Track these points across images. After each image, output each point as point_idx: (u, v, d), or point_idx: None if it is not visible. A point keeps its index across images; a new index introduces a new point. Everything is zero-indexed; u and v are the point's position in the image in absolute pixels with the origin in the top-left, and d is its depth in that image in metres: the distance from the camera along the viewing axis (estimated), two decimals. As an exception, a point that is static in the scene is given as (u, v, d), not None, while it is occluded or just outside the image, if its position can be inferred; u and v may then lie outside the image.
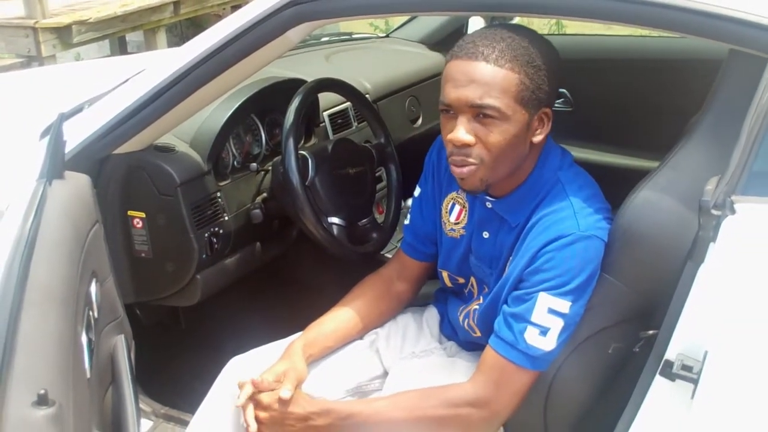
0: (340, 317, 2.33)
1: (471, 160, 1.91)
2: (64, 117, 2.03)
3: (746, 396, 1.60)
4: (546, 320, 1.90)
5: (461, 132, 1.88)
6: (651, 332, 1.80)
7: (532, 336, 1.91)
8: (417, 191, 2.38)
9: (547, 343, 1.91)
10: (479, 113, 1.87)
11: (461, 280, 2.29)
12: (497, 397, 1.97)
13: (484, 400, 1.97)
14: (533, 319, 1.90)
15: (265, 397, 2.05)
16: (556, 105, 3.72)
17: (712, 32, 1.76)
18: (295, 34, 2.15)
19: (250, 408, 2.05)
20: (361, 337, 2.37)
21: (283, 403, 2.03)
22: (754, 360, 1.58)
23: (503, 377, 1.96)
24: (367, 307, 2.36)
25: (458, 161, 1.93)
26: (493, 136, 1.88)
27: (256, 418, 2.04)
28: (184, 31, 9.85)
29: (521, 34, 1.91)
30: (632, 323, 1.90)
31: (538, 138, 1.95)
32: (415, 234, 2.38)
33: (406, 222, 2.42)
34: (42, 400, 1.23)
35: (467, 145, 1.89)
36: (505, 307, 1.99)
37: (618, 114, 3.77)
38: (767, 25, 1.67)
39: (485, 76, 1.85)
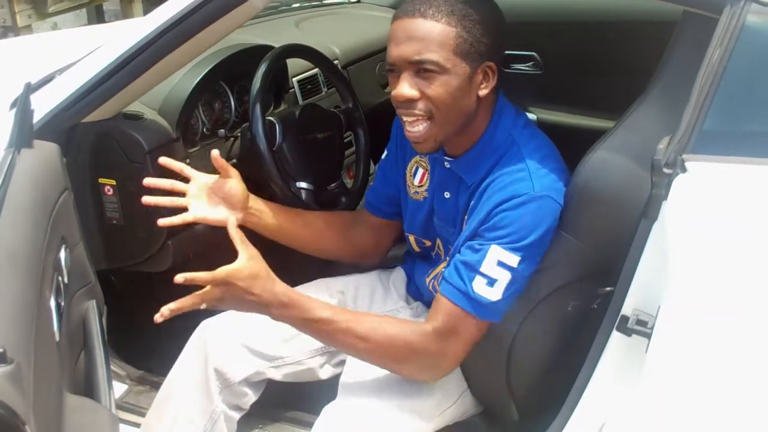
0: (302, 217, 2.40)
1: (417, 112, 1.95)
2: (31, 87, 2.05)
3: (695, 349, 1.63)
4: (494, 272, 1.93)
5: (404, 87, 1.93)
6: (608, 289, 1.83)
7: (479, 285, 1.94)
8: (384, 154, 2.42)
9: (493, 294, 1.94)
10: (420, 68, 1.91)
11: (428, 243, 2.33)
12: (450, 345, 2.00)
13: (441, 350, 2.00)
14: (482, 269, 1.94)
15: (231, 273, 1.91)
16: (526, 68, 3.79)
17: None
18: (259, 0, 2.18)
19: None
20: (330, 296, 2.40)
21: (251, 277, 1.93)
22: (703, 314, 1.62)
23: (454, 324, 1.98)
24: (329, 226, 2.44)
25: (405, 113, 1.98)
26: (435, 89, 1.92)
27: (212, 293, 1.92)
28: (160, -1, 9.79)
29: None
30: (590, 280, 1.94)
31: (484, 92, 1.98)
32: (376, 194, 2.45)
33: (370, 184, 2.48)
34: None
35: (411, 100, 1.94)
36: (457, 255, 2.01)
37: (589, 76, 3.76)
38: (715, -14, 1.70)
39: (422, 31, 1.90)
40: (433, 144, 2.01)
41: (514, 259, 1.92)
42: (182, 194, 2.16)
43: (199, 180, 2.18)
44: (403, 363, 2.05)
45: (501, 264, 1.93)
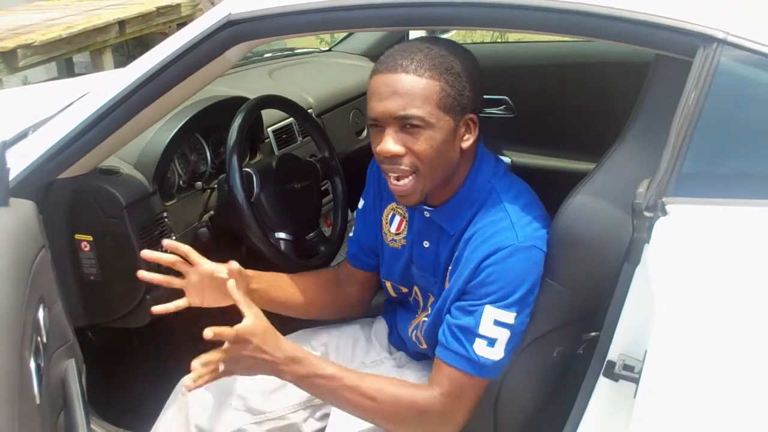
0: (294, 284, 2.33)
1: (403, 168, 1.93)
2: (6, 145, 2.03)
3: (684, 393, 1.62)
4: (493, 332, 1.92)
5: (389, 143, 1.91)
6: (593, 334, 1.82)
7: (480, 347, 1.93)
8: (361, 203, 2.40)
9: (495, 353, 1.93)
10: (405, 124, 1.90)
11: (404, 290, 2.31)
12: (456, 408, 1.99)
13: (446, 413, 1.99)
14: (480, 331, 1.93)
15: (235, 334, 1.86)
16: (497, 112, 3.80)
17: (636, 38, 1.79)
18: (233, 53, 2.17)
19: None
20: (313, 348, 2.37)
21: (260, 339, 1.89)
22: (689, 357, 1.61)
23: (459, 388, 1.97)
24: (318, 288, 2.39)
25: (390, 169, 1.96)
26: (421, 145, 1.90)
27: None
28: (131, 50, 9.79)
29: (438, 44, 1.95)
30: (575, 326, 1.94)
31: (466, 144, 1.98)
32: (359, 245, 2.40)
33: (351, 234, 2.44)
34: None
35: (397, 156, 1.92)
36: (449, 318, 2.00)
37: (561, 118, 3.79)
38: (688, 29, 1.71)
39: (406, 87, 1.88)
40: (419, 197, 2.00)
41: (509, 316, 1.92)
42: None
43: (203, 268, 2.09)
44: (409, 424, 2.04)
45: (498, 323, 1.92)
